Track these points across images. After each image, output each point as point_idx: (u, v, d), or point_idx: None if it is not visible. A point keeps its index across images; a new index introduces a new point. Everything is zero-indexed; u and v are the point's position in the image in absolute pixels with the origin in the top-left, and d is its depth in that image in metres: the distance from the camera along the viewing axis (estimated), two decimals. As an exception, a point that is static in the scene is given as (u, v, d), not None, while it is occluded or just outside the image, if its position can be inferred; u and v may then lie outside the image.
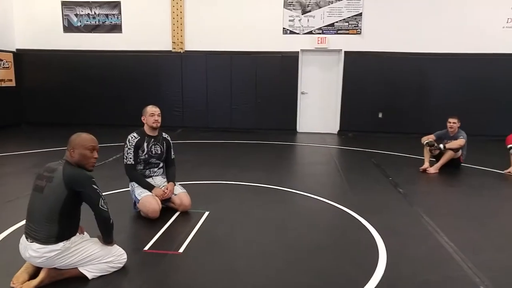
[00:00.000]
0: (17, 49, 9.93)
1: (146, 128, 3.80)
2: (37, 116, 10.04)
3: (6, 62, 9.60)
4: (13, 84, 9.82)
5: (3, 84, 9.53)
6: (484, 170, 5.92)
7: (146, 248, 2.97)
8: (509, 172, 5.69)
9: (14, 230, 3.23)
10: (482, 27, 8.84)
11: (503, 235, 3.49)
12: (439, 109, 8.54)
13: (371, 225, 3.53)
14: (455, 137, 5.83)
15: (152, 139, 3.79)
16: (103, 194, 2.47)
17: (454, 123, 5.85)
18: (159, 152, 3.82)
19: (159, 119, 3.79)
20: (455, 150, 5.76)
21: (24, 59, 9.93)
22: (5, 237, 3.15)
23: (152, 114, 3.75)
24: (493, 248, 3.19)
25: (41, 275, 2.35)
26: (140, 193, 3.63)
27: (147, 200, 3.55)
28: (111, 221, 2.49)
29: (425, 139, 5.87)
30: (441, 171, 5.69)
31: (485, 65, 8.90)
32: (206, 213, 3.75)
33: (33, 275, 2.39)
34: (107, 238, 2.53)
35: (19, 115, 10.00)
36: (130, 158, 3.69)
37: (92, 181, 2.40)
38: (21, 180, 4.91)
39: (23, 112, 10.04)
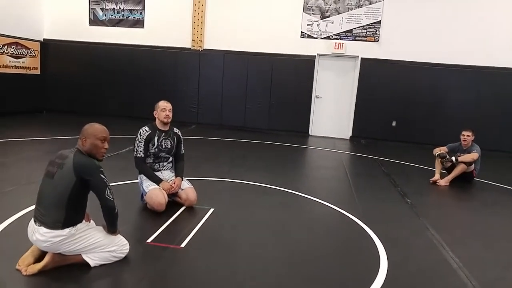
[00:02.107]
0: (44, 39, 10.28)
1: (157, 122, 3.89)
2: (58, 104, 10.36)
3: (33, 50, 9.95)
4: (38, 72, 10.17)
5: (29, 72, 9.89)
6: (499, 187, 5.73)
7: (149, 240, 3.04)
8: None
9: (25, 214, 3.34)
10: (505, 41, 8.65)
11: None
12: (454, 122, 8.37)
13: (375, 234, 3.49)
14: (468, 151, 5.69)
15: (163, 134, 3.88)
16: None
17: (468, 136, 5.69)
18: (169, 146, 3.91)
19: (170, 114, 3.87)
20: (468, 163, 5.60)
21: (50, 49, 10.28)
22: (15, 219, 3.25)
23: (163, 109, 3.83)
24: (500, 266, 3.10)
25: (46, 259, 2.45)
26: (148, 185, 3.73)
27: (154, 193, 3.64)
28: (116, 210, 2.56)
29: (437, 151, 5.77)
30: (452, 185, 5.55)
31: (506, 79, 8.69)
32: (211, 210, 3.80)
33: (38, 259, 2.49)
34: (111, 227, 2.62)
35: (42, 102, 10.35)
36: (140, 151, 3.79)
37: (100, 171, 2.48)
38: (36, 165, 5.04)
39: (45, 99, 10.38)
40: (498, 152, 8.36)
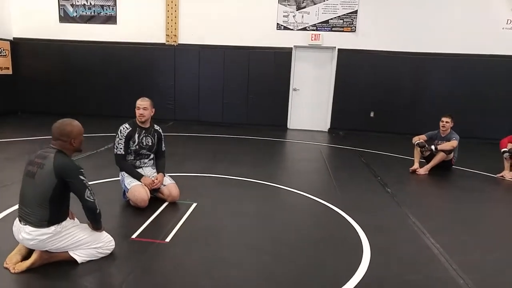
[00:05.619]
0: (14, 38, 9.97)
1: (137, 119, 3.89)
2: (32, 105, 10.12)
3: (4, 50, 9.66)
4: (10, 72, 9.90)
5: (1, 72, 9.60)
6: (476, 173, 5.84)
7: (134, 236, 3.09)
8: (502, 176, 5.60)
9: (9, 213, 3.35)
10: (481, 28, 8.74)
11: (492, 237, 3.51)
12: (432, 110, 8.51)
13: (357, 223, 3.57)
14: (447, 138, 5.73)
15: (144, 131, 3.88)
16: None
17: (447, 122, 5.73)
18: (149, 144, 3.92)
19: (145, 112, 3.80)
20: (447, 152, 5.64)
21: (21, 48, 9.98)
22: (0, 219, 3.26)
23: (138, 108, 3.81)
24: (481, 250, 3.22)
25: (33, 257, 2.49)
26: (130, 182, 3.75)
27: (136, 189, 3.67)
28: (98, 210, 2.59)
29: (416, 140, 5.80)
30: (431, 173, 5.63)
31: (482, 66, 8.84)
32: (194, 205, 3.85)
33: (26, 256, 2.53)
34: (95, 225, 2.67)
35: (16, 103, 10.09)
36: (121, 148, 3.79)
37: (80, 172, 2.50)
38: (16, 166, 4.95)
39: (19, 100, 10.12)
40: (475, 139, 8.57)
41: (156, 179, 3.86)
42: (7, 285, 2.38)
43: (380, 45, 9.12)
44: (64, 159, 2.50)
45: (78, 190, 2.49)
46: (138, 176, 3.80)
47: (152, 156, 4.03)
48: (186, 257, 2.86)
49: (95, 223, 2.66)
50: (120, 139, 3.79)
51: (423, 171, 5.66)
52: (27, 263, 2.47)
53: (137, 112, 3.81)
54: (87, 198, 2.50)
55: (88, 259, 2.62)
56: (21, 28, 9.97)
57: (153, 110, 3.92)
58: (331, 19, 9.22)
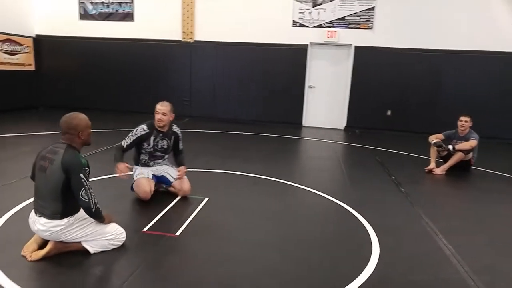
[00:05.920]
0: (36, 35, 10.29)
1: (156, 123, 3.86)
2: (54, 100, 10.42)
3: (26, 47, 9.98)
4: (32, 68, 10.23)
5: (24, 68, 9.94)
6: (496, 174, 5.65)
7: (145, 229, 3.15)
8: None
9: (26, 204, 3.49)
10: (501, 25, 8.50)
11: (508, 241, 3.40)
12: (451, 109, 8.23)
13: (368, 222, 3.55)
14: (465, 138, 5.53)
15: (160, 134, 3.86)
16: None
17: (465, 121, 5.54)
18: (165, 146, 3.93)
19: (164, 117, 3.76)
20: (465, 152, 5.46)
21: (43, 45, 10.30)
22: (19, 209, 3.41)
23: (157, 112, 3.79)
24: (495, 253, 3.12)
25: (49, 246, 2.59)
26: (138, 175, 3.81)
27: (140, 182, 3.74)
28: (93, 209, 2.59)
29: (433, 139, 5.65)
30: (448, 173, 5.47)
31: (504, 64, 8.59)
32: (205, 200, 3.89)
33: (41, 246, 2.64)
34: (95, 219, 2.71)
35: (38, 98, 10.43)
36: (127, 142, 3.77)
37: (82, 170, 2.51)
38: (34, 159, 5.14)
39: (41, 95, 10.45)
40: (496, 140, 8.36)
41: (179, 171, 3.94)
42: (24, 272, 2.49)
43: (397, 42, 8.95)
44: (72, 155, 2.53)
45: (74, 187, 2.51)
46: (117, 161, 3.68)
47: (166, 156, 4.07)
48: (195, 251, 2.90)
49: (94, 218, 2.70)
50: (132, 136, 3.79)
51: (439, 171, 5.51)
52: (43, 252, 2.57)
53: (156, 116, 3.79)
54: (81, 197, 2.52)
55: (100, 250, 2.70)
56: (43, 26, 10.28)
57: (173, 115, 3.89)
58: (348, 16, 9.11)
